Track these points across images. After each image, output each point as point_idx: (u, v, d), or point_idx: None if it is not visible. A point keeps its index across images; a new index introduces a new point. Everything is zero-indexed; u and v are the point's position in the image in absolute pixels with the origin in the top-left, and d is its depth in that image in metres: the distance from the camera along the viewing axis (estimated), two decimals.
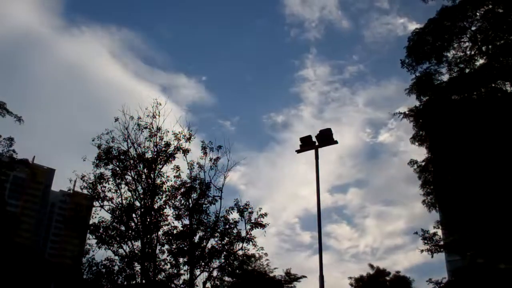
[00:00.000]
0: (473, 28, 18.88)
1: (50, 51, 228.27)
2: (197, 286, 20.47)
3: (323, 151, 16.34)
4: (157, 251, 20.84)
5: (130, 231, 20.97)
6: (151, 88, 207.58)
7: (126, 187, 21.58)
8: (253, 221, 21.11)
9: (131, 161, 21.90)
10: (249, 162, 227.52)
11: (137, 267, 20.51)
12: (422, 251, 23.29)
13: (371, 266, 52.00)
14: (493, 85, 18.61)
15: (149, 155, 22.13)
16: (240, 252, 21.25)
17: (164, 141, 22.19)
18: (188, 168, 21.90)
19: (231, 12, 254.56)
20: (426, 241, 23.39)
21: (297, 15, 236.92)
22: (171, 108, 33.43)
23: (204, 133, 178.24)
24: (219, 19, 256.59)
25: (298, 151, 16.98)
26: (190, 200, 21.53)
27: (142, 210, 21.27)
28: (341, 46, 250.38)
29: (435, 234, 23.48)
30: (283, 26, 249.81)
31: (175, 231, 21.15)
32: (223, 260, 21.06)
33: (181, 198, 21.57)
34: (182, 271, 20.67)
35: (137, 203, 21.42)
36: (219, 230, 21.26)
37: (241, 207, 21.30)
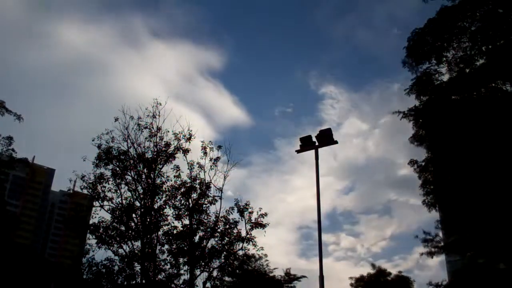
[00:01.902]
0: (473, 28, 18.83)
1: (99, 69, 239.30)
2: (197, 286, 20.51)
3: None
4: (157, 251, 20.88)
5: (130, 231, 20.97)
6: (190, 108, 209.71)
7: (126, 187, 21.62)
8: (253, 221, 21.14)
9: (131, 161, 21.91)
10: (259, 175, 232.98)
11: (137, 267, 20.53)
12: (421, 254, 23.30)
13: (373, 265, 51.74)
14: (493, 85, 18.57)
15: (149, 155, 22.16)
16: (240, 252, 21.31)
17: (164, 141, 22.23)
18: (188, 168, 21.94)
19: (255, 30, 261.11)
20: (426, 244, 23.39)
21: (324, 34, 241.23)
22: (171, 108, 33.55)
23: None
24: (244, 41, 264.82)
25: (298, 151, 16.92)
26: (190, 200, 21.53)
27: (142, 210, 21.28)
28: (364, 65, 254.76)
29: (436, 235, 23.49)
30: (310, 45, 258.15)
31: (175, 231, 21.16)
32: (223, 260, 21.09)
33: (181, 198, 21.57)
34: (182, 271, 20.72)
35: (137, 203, 21.45)
36: (219, 230, 21.26)
37: (241, 207, 21.33)
